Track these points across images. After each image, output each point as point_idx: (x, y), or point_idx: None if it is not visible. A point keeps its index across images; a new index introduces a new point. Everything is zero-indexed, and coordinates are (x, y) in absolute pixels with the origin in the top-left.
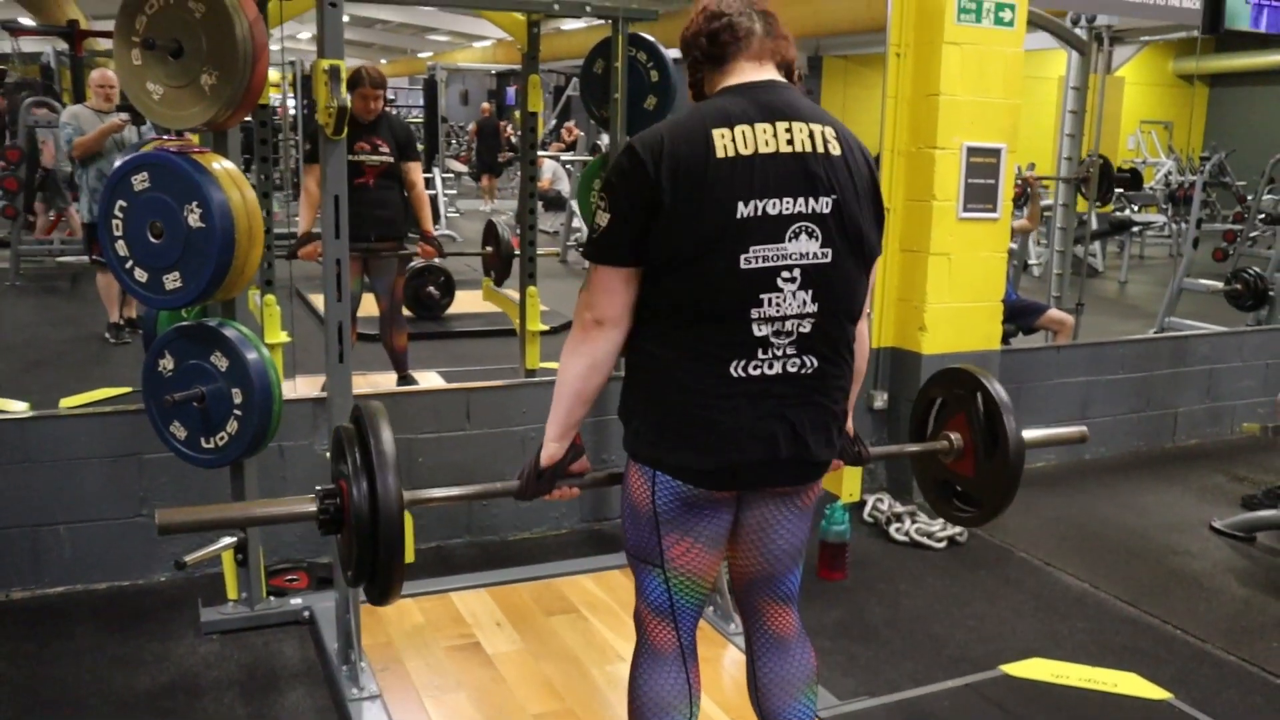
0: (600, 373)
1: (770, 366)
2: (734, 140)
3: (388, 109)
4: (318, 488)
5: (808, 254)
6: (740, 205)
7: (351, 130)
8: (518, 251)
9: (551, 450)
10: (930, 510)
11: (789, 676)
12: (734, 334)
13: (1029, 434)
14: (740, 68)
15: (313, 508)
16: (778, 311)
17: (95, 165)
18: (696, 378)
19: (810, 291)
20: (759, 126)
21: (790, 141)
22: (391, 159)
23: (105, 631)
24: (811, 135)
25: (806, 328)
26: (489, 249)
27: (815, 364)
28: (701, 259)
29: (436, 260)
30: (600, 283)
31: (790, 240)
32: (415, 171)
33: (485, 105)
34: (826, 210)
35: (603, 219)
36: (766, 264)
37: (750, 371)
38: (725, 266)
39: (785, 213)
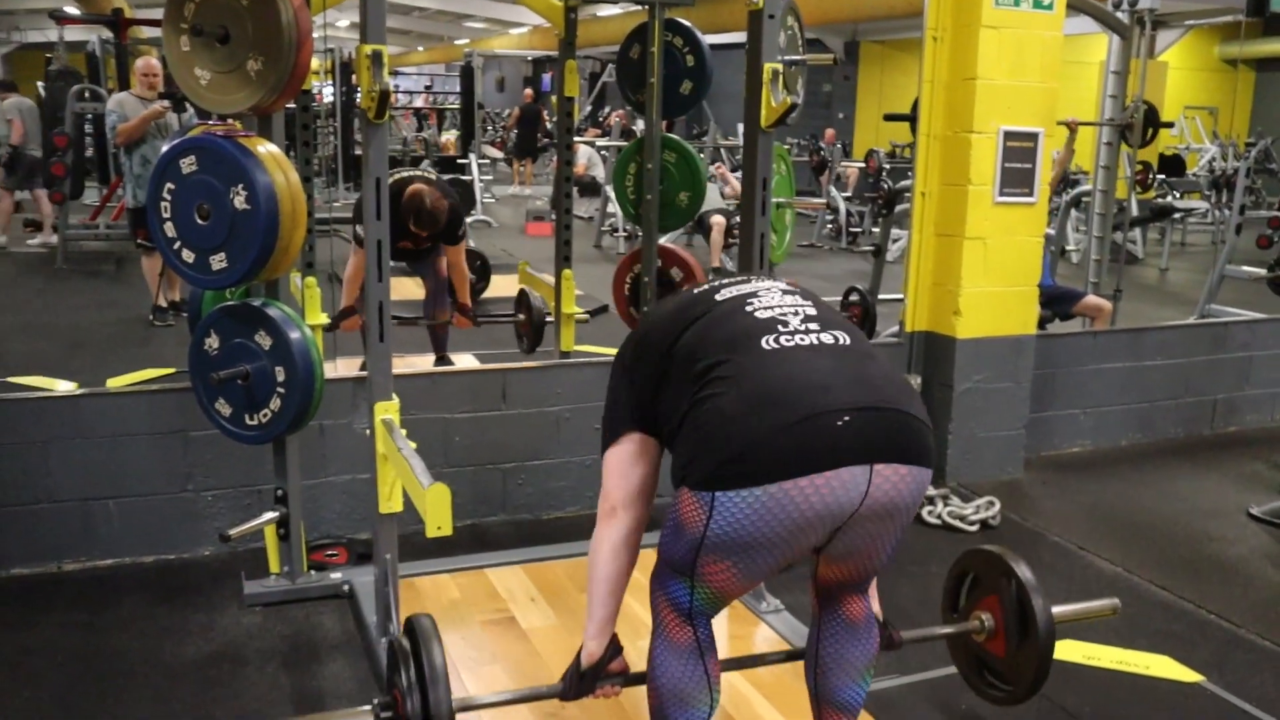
0: (620, 556)
1: (800, 339)
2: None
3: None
4: (375, 700)
5: (791, 303)
6: (717, 294)
7: (397, 230)
8: (550, 318)
9: (591, 649)
10: (964, 493)
11: (852, 659)
12: (743, 323)
13: (1058, 610)
14: None
15: (370, 717)
16: (769, 302)
17: (139, 151)
18: (734, 373)
19: (795, 297)
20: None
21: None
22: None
23: (153, 603)
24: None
25: (810, 311)
26: (521, 316)
27: (846, 338)
28: (686, 315)
29: (474, 243)
30: (607, 467)
31: (768, 294)
32: (457, 253)
33: (528, 91)
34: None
35: (604, 418)
36: (743, 292)
37: (783, 343)
38: (709, 309)
39: (762, 290)
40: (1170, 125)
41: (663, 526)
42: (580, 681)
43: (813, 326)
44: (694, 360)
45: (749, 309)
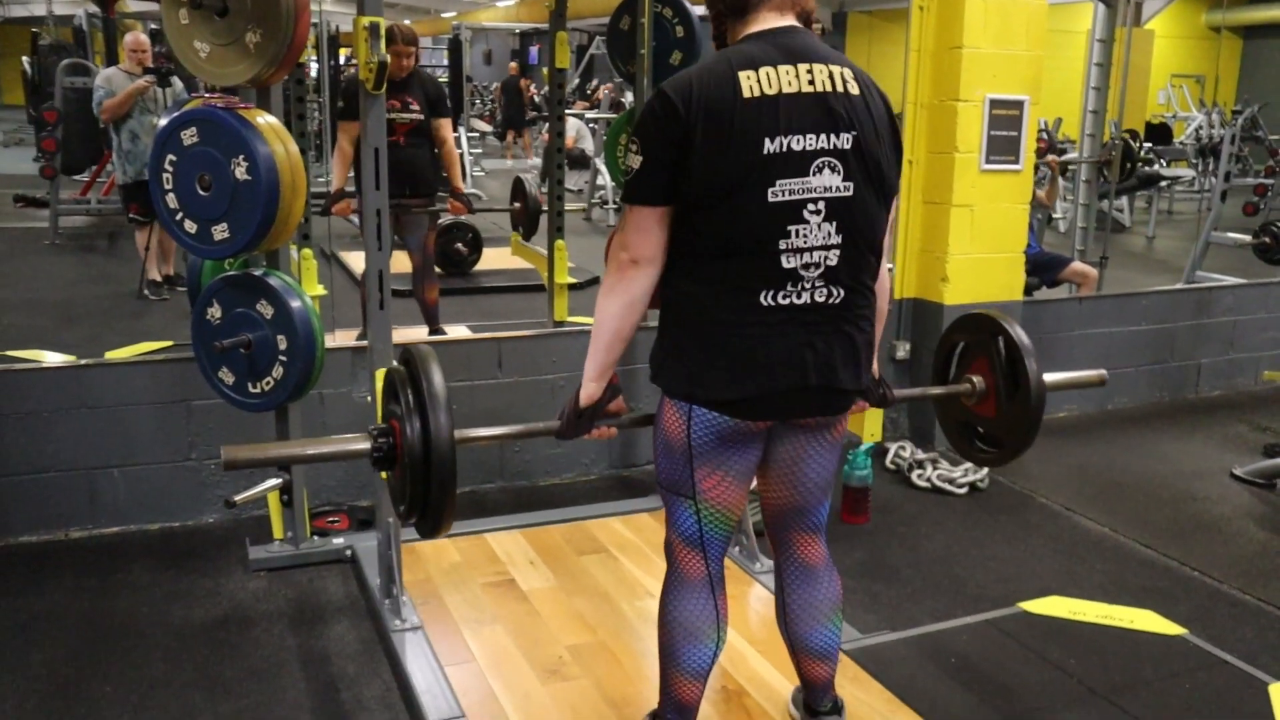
0: (636, 311)
1: (799, 296)
2: (759, 81)
3: (419, 67)
4: (371, 427)
5: (831, 187)
6: (767, 141)
7: None
8: (545, 207)
9: (590, 390)
10: (952, 457)
11: (816, 602)
12: (764, 266)
13: (1050, 377)
14: (762, 17)
15: (367, 445)
16: (805, 243)
17: (126, 126)
18: (728, 309)
19: (834, 224)
20: (782, 68)
21: (811, 81)
22: (422, 116)
23: (160, 568)
24: (831, 76)
25: (833, 260)
26: (517, 204)
27: (841, 294)
28: (731, 194)
29: (465, 217)
30: (635, 223)
31: (814, 174)
32: (446, 128)
33: (512, 65)
34: (847, 146)
35: (635, 161)
36: (793, 197)
37: (779, 300)
38: (754, 200)
39: (809, 148)
40: (1149, 162)
41: (654, 453)
42: (578, 420)
43: (819, 283)
44: (710, 250)
45: (782, 245)
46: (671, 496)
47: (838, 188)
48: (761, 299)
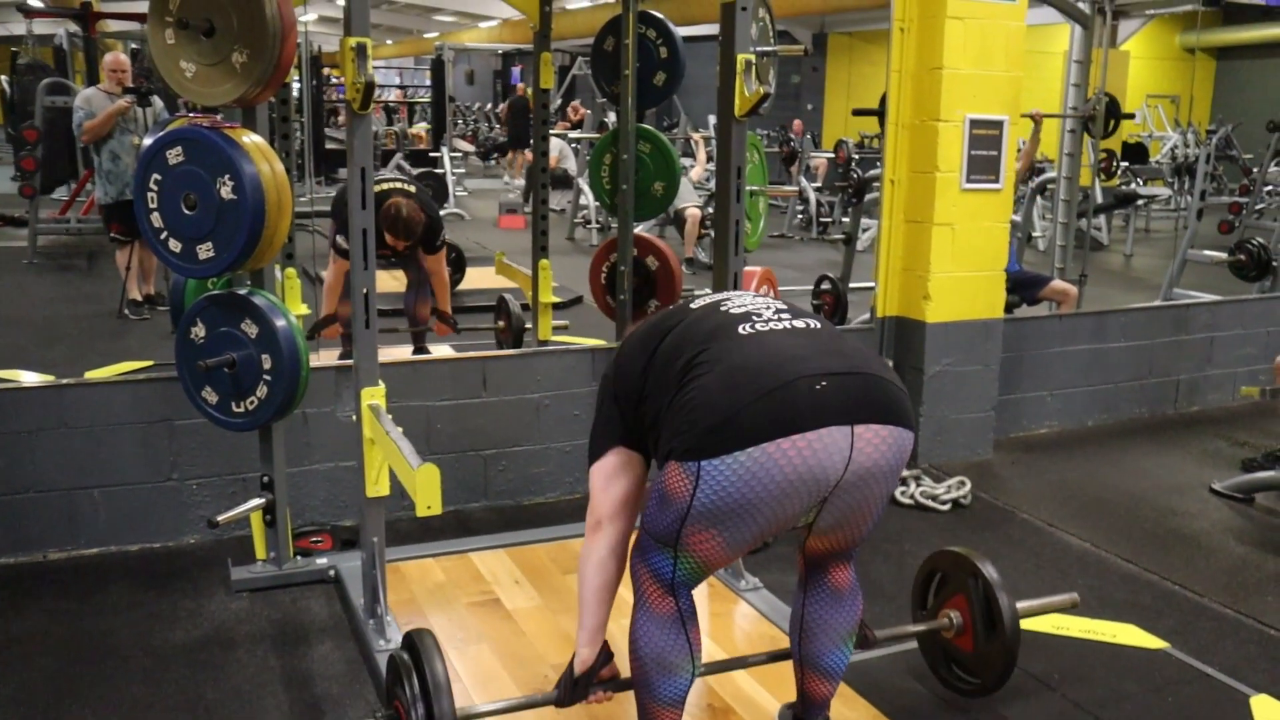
0: (607, 567)
1: (775, 324)
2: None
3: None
4: (379, 711)
5: (782, 319)
6: (691, 303)
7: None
8: (527, 325)
9: (584, 656)
10: (935, 474)
11: (836, 625)
12: (719, 320)
13: (1023, 605)
14: None
15: None
16: (743, 303)
17: (107, 146)
18: (713, 358)
19: (791, 318)
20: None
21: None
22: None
23: (140, 590)
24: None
25: (781, 306)
26: (501, 324)
27: (817, 324)
28: (661, 329)
29: (449, 235)
30: (595, 484)
31: (759, 313)
32: (437, 262)
33: (520, 85)
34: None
35: (591, 436)
36: (743, 310)
37: (758, 328)
38: (683, 318)
39: (747, 309)
40: (1131, 116)
41: (646, 500)
42: (575, 688)
43: (784, 316)
44: (675, 358)
45: (723, 309)
46: (650, 539)
47: (787, 320)
48: (740, 330)
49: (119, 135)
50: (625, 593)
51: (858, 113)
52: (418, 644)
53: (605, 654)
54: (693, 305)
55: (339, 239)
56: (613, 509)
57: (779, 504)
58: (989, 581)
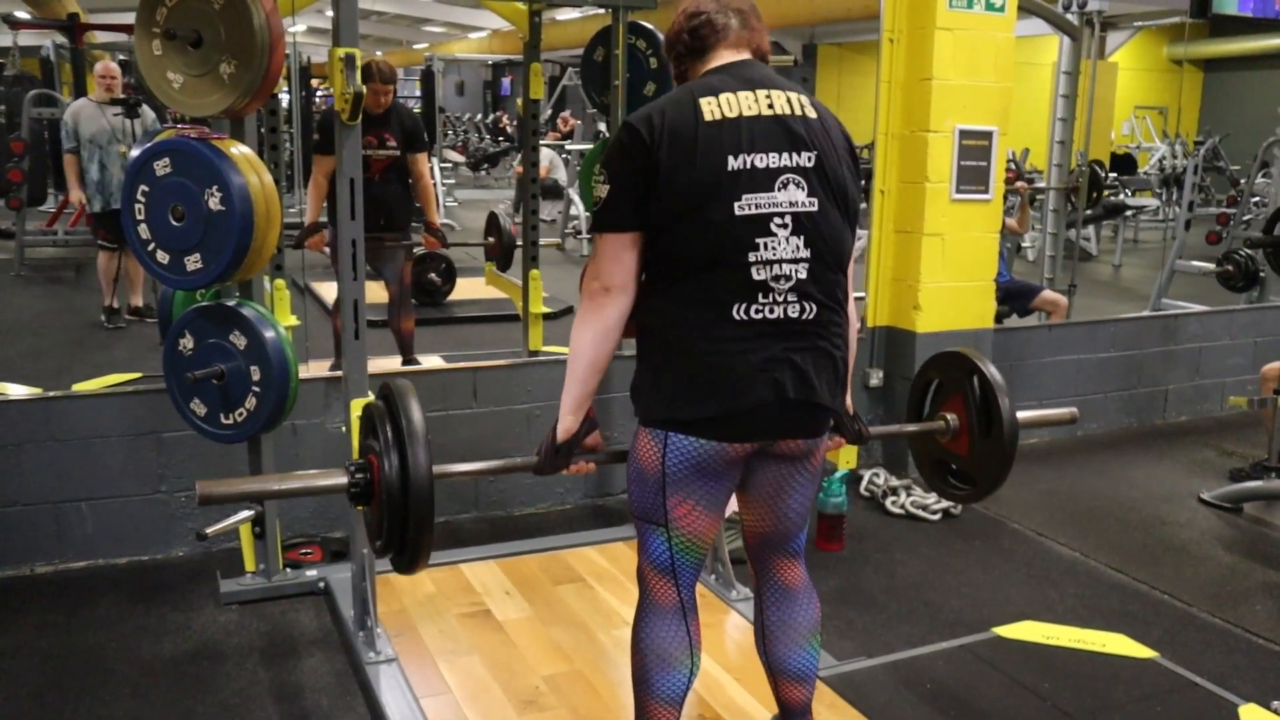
0: (610, 339)
1: (771, 310)
2: (719, 105)
3: (397, 101)
4: (348, 462)
5: (796, 202)
6: (730, 159)
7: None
8: (519, 241)
9: (567, 423)
10: (925, 485)
11: (795, 624)
12: (734, 279)
13: (1023, 414)
14: (719, 54)
15: (344, 480)
16: (773, 255)
17: (96, 157)
18: (702, 325)
19: (802, 237)
20: (741, 94)
21: (771, 105)
22: (398, 152)
23: (128, 603)
24: (789, 100)
25: (802, 273)
26: (491, 239)
27: (814, 309)
28: (698, 210)
29: (440, 249)
30: (605, 251)
31: (779, 190)
32: (422, 163)
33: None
34: (810, 164)
35: (603, 191)
36: (759, 210)
37: (752, 315)
38: (721, 214)
39: (773, 165)
40: (1114, 188)
41: (628, 481)
42: (555, 455)
43: (791, 297)
44: (681, 266)
45: (751, 258)
46: (643, 524)
47: (803, 203)
48: (734, 313)
49: (107, 145)
50: (619, 606)
51: None
52: (394, 391)
53: (589, 422)
54: (729, 164)
55: (315, 137)
56: (627, 278)
57: (731, 471)
58: (988, 380)
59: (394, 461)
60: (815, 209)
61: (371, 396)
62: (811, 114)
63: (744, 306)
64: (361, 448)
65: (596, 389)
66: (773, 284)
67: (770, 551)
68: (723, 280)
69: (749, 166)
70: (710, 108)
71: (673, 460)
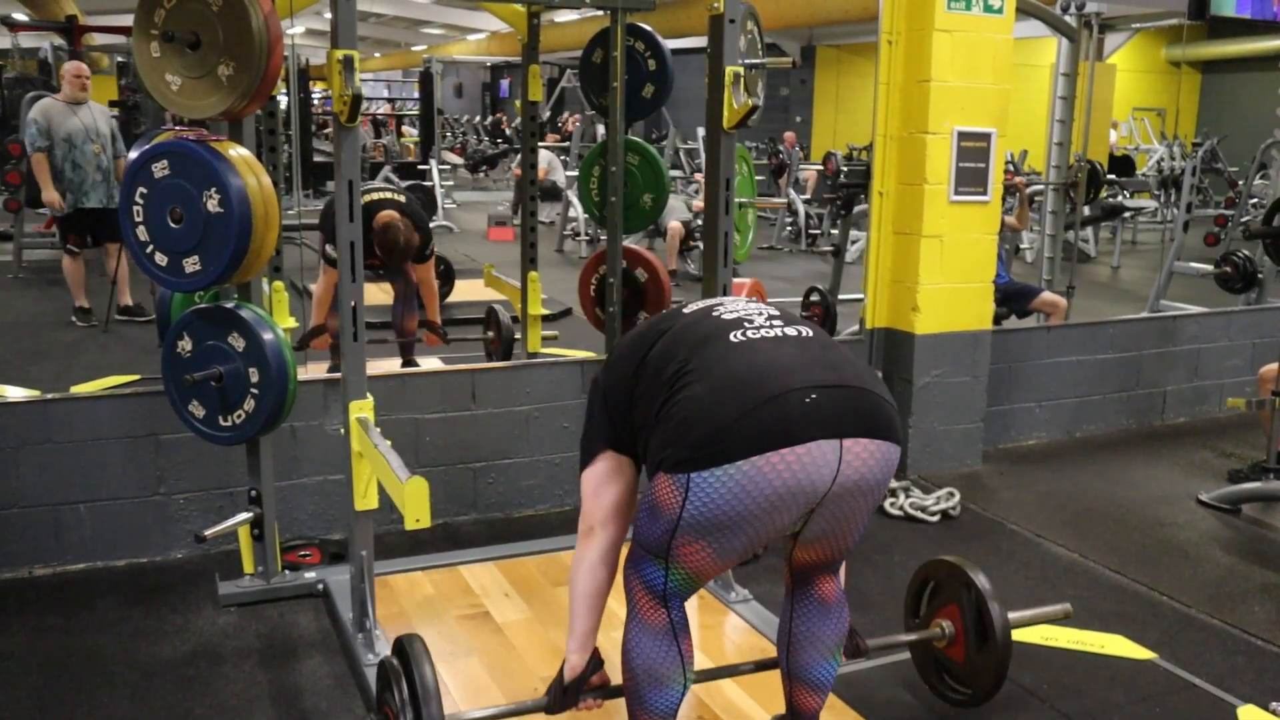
0: (598, 572)
1: (765, 333)
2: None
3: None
4: (368, 716)
5: (773, 323)
6: (685, 310)
7: (367, 246)
8: (516, 336)
9: (574, 663)
10: (924, 485)
11: (824, 637)
12: (711, 324)
13: (1015, 616)
14: None
15: None
16: (735, 309)
17: (69, 157)
18: (704, 361)
19: (783, 325)
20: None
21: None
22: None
23: (127, 605)
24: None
25: (774, 312)
26: (490, 334)
27: (809, 332)
28: (652, 332)
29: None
30: (585, 489)
31: (755, 316)
32: (426, 270)
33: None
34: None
35: (581, 444)
36: (734, 315)
37: (750, 336)
38: (673, 324)
39: (740, 314)
40: (1113, 184)
41: (637, 512)
42: (564, 695)
43: (776, 324)
44: (665, 365)
45: (715, 314)
46: (642, 551)
47: (780, 326)
48: (732, 338)
49: (81, 144)
50: (617, 606)
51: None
52: (408, 650)
53: (595, 661)
54: (685, 310)
55: (329, 249)
56: (604, 515)
57: (768, 516)
58: (981, 592)
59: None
60: (796, 334)
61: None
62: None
63: (738, 333)
64: (378, 700)
65: (598, 626)
66: (746, 318)
67: (815, 571)
68: (703, 332)
69: (711, 315)
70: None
71: (695, 506)
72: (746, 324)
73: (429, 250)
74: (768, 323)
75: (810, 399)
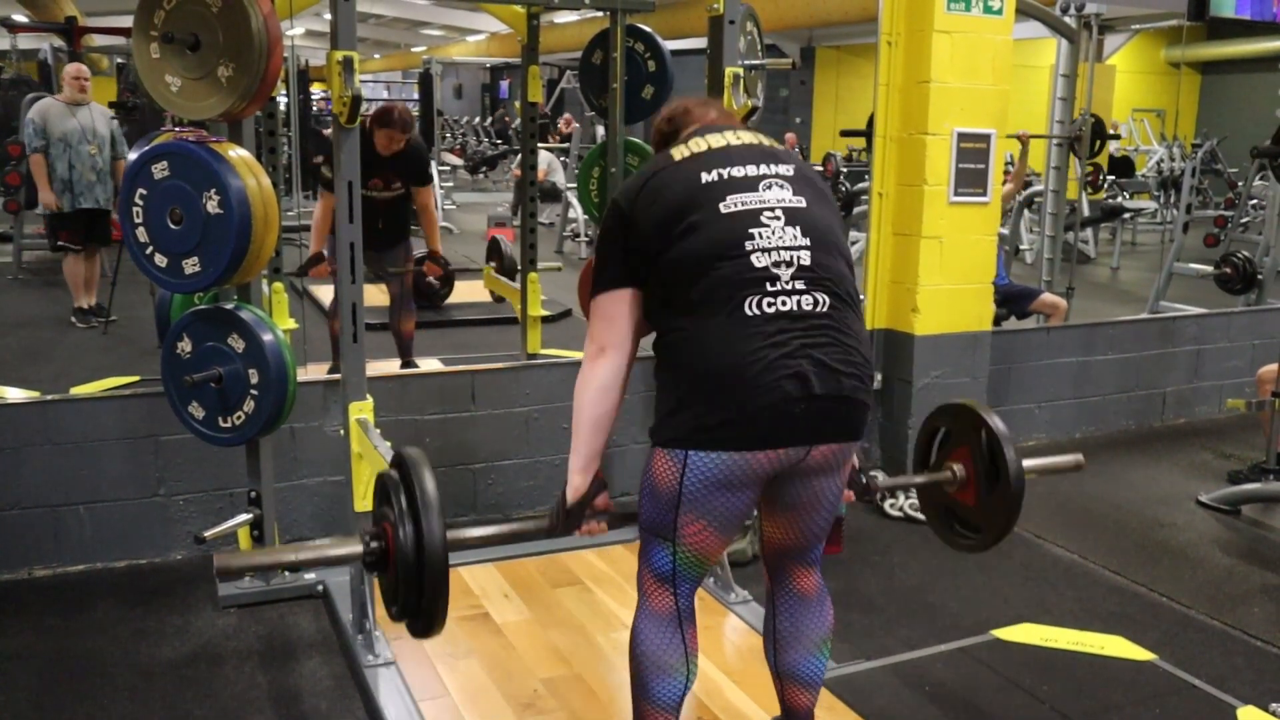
0: (609, 396)
1: (784, 303)
2: (689, 148)
3: (410, 144)
4: (364, 530)
5: (783, 199)
6: (704, 174)
7: (367, 161)
8: (519, 266)
9: (576, 484)
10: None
11: (807, 632)
12: (737, 269)
13: (1028, 464)
14: (692, 128)
15: (359, 549)
16: (769, 243)
17: (64, 157)
18: (717, 330)
19: (796, 227)
20: (711, 136)
21: (740, 140)
22: (403, 190)
23: (126, 606)
24: (759, 137)
25: (805, 259)
26: (492, 264)
27: (827, 301)
28: (685, 219)
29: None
30: (599, 313)
31: (763, 190)
32: (426, 195)
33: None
34: (789, 174)
35: (599, 263)
36: (746, 206)
37: (765, 309)
38: (710, 216)
39: (751, 174)
40: (1117, 136)
41: (639, 496)
42: (566, 517)
43: (799, 285)
44: (685, 282)
45: (749, 246)
46: (650, 536)
47: (789, 199)
48: (746, 309)
49: (77, 145)
50: (618, 607)
51: (845, 134)
52: (407, 459)
53: (599, 483)
54: (722, 207)
55: (324, 170)
56: (620, 337)
57: (750, 485)
58: (994, 432)
59: (409, 531)
60: (803, 205)
61: (385, 464)
62: (781, 147)
63: (755, 300)
64: (376, 515)
65: (603, 449)
66: (775, 270)
67: (789, 561)
68: (727, 275)
69: (726, 177)
70: (680, 151)
71: (692, 480)
72: (769, 285)
73: (428, 172)
74: (790, 283)
75: (801, 408)
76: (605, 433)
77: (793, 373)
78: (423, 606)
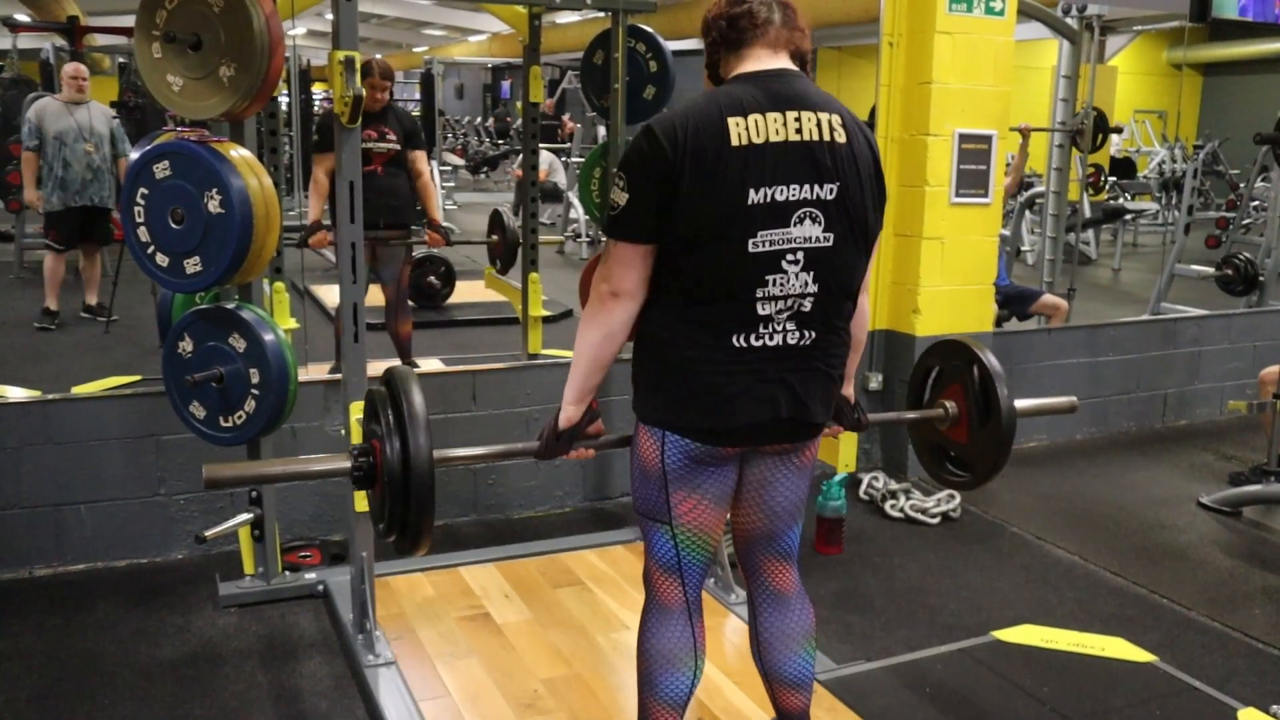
0: (615, 341)
1: (770, 339)
2: (748, 129)
3: (394, 101)
4: (352, 446)
5: (811, 238)
6: (752, 192)
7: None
8: (521, 240)
9: (569, 413)
10: (925, 488)
11: (789, 631)
12: (738, 311)
13: (1021, 403)
14: (756, 54)
15: (347, 464)
16: (780, 291)
17: (60, 155)
18: (701, 348)
19: (812, 273)
20: (770, 115)
21: (799, 130)
22: (399, 146)
23: (127, 606)
24: (819, 124)
25: (807, 306)
26: (494, 237)
27: (813, 335)
28: (712, 241)
29: (438, 250)
30: (618, 257)
31: (795, 225)
32: (421, 160)
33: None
34: (830, 197)
35: (621, 198)
36: (772, 247)
37: (752, 343)
38: (734, 250)
39: (792, 199)
40: (1119, 130)
41: (631, 481)
42: (556, 441)
43: (790, 326)
44: (686, 291)
45: (759, 294)
46: (649, 523)
47: (818, 238)
48: (734, 341)
49: (72, 144)
50: (618, 607)
51: None
52: (395, 376)
53: (591, 413)
54: (750, 198)
55: (315, 136)
56: (635, 285)
57: (729, 464)
58: (987, 370)
59: (396, 445)
60: (830, 244)
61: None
62: (841, 138)
63: (744, 336)
64: (364, 432)
65: (599, 387)
66: (775, 316)
67: (760, 553)
68: (726, 312)
69: (768, 200)
70: (737, 130)
71: (672, 456)
72: (763, 327)
73: (422, 137)
74: (787, 322)
75: (767, 425)
76: (604, 372)
77: (766, 398)
78: (409, 520)
